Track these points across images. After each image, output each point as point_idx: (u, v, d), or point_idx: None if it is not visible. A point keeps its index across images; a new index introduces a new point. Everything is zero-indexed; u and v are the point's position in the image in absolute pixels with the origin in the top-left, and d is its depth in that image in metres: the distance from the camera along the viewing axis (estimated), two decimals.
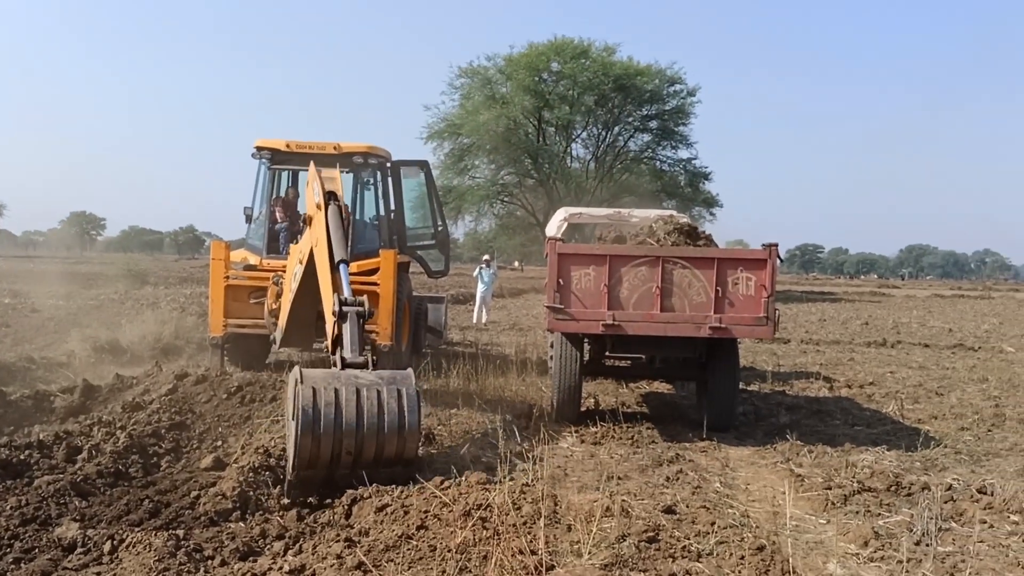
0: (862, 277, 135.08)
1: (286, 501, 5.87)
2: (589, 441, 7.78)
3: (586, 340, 8.50)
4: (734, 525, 5.25)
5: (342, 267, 6.89)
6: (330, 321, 6.53)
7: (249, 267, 11.45)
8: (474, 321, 21.36)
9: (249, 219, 11.84)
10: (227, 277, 11.00)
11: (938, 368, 14.11)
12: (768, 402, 10.16)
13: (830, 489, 6.15)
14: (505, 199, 49.55)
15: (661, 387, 11.48)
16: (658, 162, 49.72)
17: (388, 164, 12.29)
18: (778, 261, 7.59)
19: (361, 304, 6.42)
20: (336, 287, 6.86)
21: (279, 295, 10.50)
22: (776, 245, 7.59)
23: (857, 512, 5.69)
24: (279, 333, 8.93)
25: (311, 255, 7.47)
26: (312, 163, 8.22)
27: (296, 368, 6.37)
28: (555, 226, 12.73)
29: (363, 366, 6.02)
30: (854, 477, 6.41)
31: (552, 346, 11.27)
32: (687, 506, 5.63)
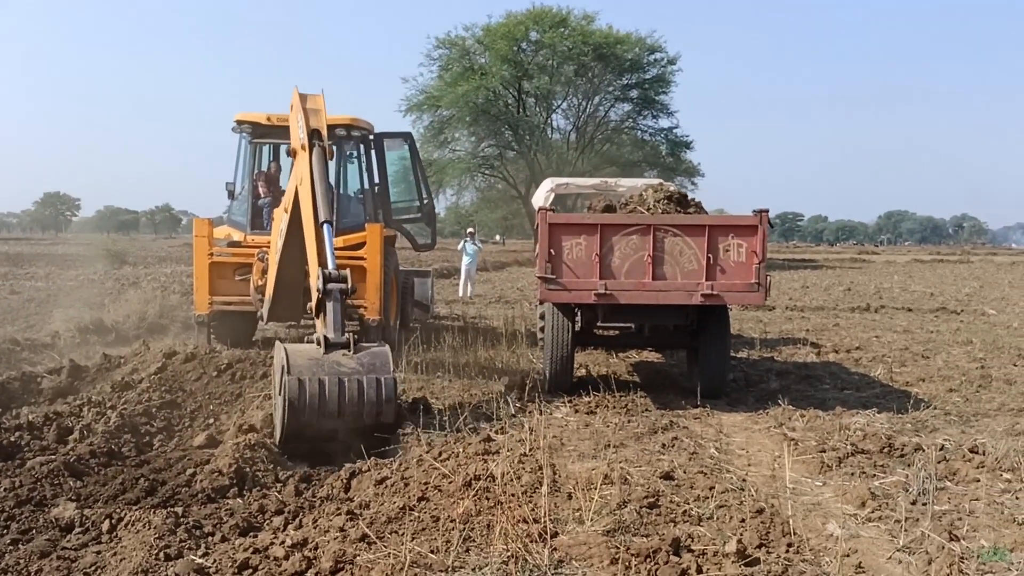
0: (842, 244, 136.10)
1: (282, 473, 5.86)
2: (583, 411, 7.79)
3: (577, 310, 8.48)
4: (732, 489, 5.29)
5: (326, 228, 6.99)
6: (314, 287, 6.69)
7: (233, 243, 11.31)
8: (460, 295, 21.31)
9: (231, 195, 11.68)
10: (211, 254, 10.88)
11: (922, 332, 14.25)
12: (757, 368, 10.23)
13: (824, 452, 6.20)
14: (486, 172, 49.33)
15: (650, 356, 11.51)
16: (639, 132, 49.71)
17: (371, 136, 12.13)
18: (768, 227, 7.59)
19: (344, 279, 6.60)
20: (320, 256, 6.88)
21: (265, 271, 10.40)
22: (767, 211, 7.58)
23: (852, 474, 5.75)
24: (267, 305, 8.84)
25: (296, 200, 7.49)
26: (296, 90, 8.00)
27: (281, 347, 6.45)
28: (542, 197, 12.63)
29: (345, 346, 6.32)
30: (847, 440, 6.47)
31: (542, 317, 11.28)
32: (684, 472, 5.67)
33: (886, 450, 6.28)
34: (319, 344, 6.32)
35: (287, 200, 8.01)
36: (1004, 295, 23.09)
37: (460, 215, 52.96)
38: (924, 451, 6.21)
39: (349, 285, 6.61)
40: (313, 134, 7.43)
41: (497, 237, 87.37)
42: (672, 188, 8.40)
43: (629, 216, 7.67)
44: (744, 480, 5.57)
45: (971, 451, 6.12)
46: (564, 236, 7.58)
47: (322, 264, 6.77)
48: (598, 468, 5.63)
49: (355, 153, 12.11)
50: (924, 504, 5.03)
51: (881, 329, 14.62)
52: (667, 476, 5.53)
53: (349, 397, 6.08)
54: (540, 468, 5.53)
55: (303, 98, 7.86)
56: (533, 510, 4.61)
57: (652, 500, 4.94)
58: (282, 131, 11.48)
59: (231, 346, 10.74)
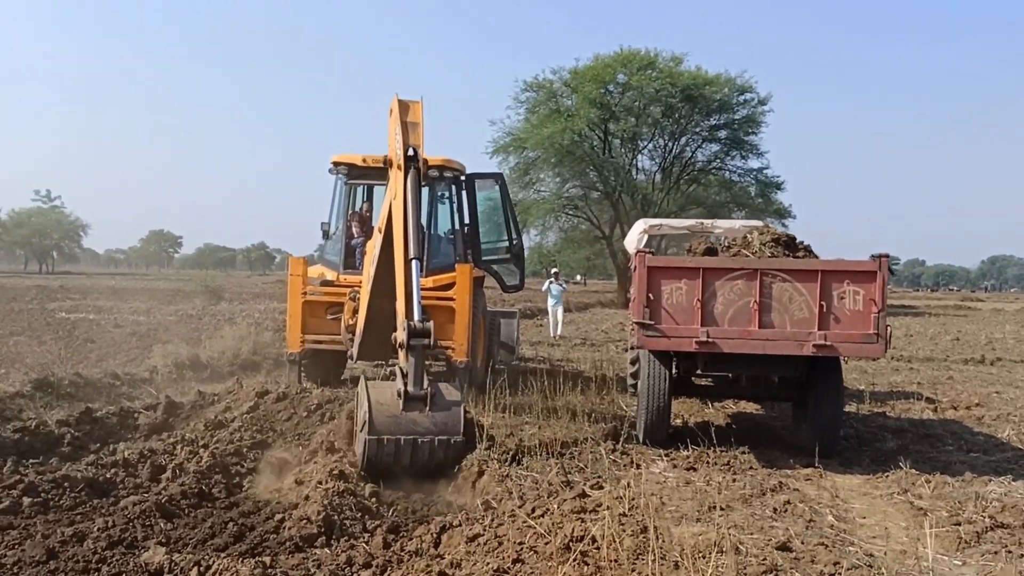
0: (943, 289, 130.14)
1: (371, 523, 5.67)
2: (682, 466, 7.35)
3: (675, 357, 8.06)
4: (860, 565, 4.78)
5: (414, 265, 7.10)
6: (399, 335, 6.85)
7: (326, 283, 11.38)
8: (551, 335, 21.08)
9: (326, 235, 11.79)
10: (305, 293, 10.95)
11: None
12: (869, 425, 9.55)
13: (959, 525, 5.61)
14: (570, 212, 49.21)
15: (749, 407, 10.94)
16: (727, 172, 48.78)
17: (463, 177, 12.11)
18: (889, 273, 7.07)
19: (428, 333, 6.79)
20: (408, 302, 6.84)
21: (356, 311, 10.39)
22: (887, 256, 7.07)
23: (995, 552, 5.15)
24: (356, 342, 8.78)
25: (389, 217, 7.59)
26: (395, 97, 7.89)
27: (364, 391, 6.71)
28: (634, 239, 12.30)
29: (423, 400, 6.69)
30: (984, 511, 5.85)
31: (633, 363, 10.88)
32: (802, 542, 5.18)
33: None
34: (399, 396, 6.63)
35: (382, 219, 8.06)
36: None
37: (543, 255, 52.85)
38: None
39: (432, 340, 6.79)
40: (410, 158, 7.47)
41: (578, 277, 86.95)
42: (779, 231, 7.96)
43: (734, 260, 7.27)
44: (871, 556, 5.04)
45: None
46: (664, 280, 7.23)
47: (408, 315, 6.86)
48: (706, 534, 5.21)
49: (447, 194, 12.09)
50: None
51: (1001, 384, 13.59)
52: (784, 547, 5.06)
53: (420, 457, 6.68)
54: (643, 531, 5.15)
55: (403, 107, 7.79)
56: None
57: None
58: (377, 172, 11.56)
59: (321, 385, 10.74)
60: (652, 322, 7.24)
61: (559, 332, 21.47)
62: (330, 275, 11.46)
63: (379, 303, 8.08)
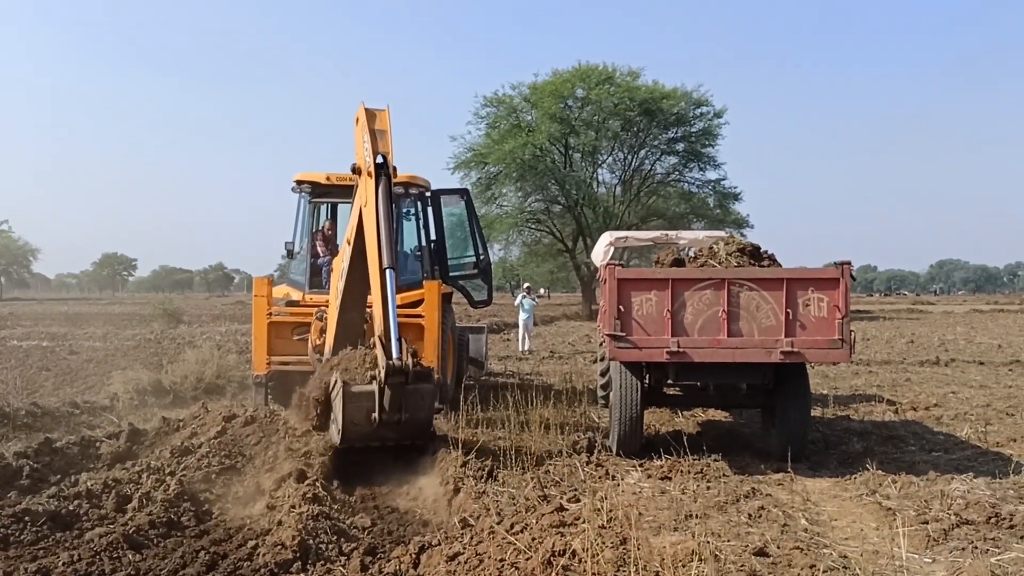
0: (895, 294, 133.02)
1: (347, 545, 5.61)
2: (656, 475, 7.40)
3: (646, 368, 8.11)
4: (834, 567, 4.85)
5: (389, 276, 7.06)
6: (380, 369, 6.83)
7: (292, 303, 11.25)
8: (520, 349, 21.10)
9: (290, 254, 11.67)
10: (270, 314, 10.81)
11: (1000, 387, 13.53)
12: (835, 428, 9.71)
13: (927, 523, 5.72)
14: (532, 226, 49.35)
15: (717, 415, 11.05)
16: (686, 184, 49.35)
17: (428, 193, 12.10)
18: (851, 280, 7.21)
19: (406, 372, 6.77)
20: (385, 330, 6.89)
21: (323, 330, 10.30)
22: (849, 263, 7.22)
23: (963, 549, 5.27)
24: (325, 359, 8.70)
25: (360, 226, 7.60)
26: (362, 105, 7.93)
27: (339, 397, 6.84)
28: (601, 251, 12.41)
29: (396, 423, 6.88)
30: (949, 509, 5.98)
31: (603, 375, 10.93)
32: (778, 547, 5.24)
33: (993, 520, 5.79)
34: (374, 421, 6.80)
35: (350, 230, 8.00)
36: None
37: (507, 269, 52.88)
38: None
39: (410, 376, 6.79)
40: (380, 165, 7.49)
41: (542, 291, 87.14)
42: (743, 240, 8.07)
43: (702, 270, 7.36)
44: (846, 557, 5.12)
45: None
46: (634, 292, 7.30)
47: (387, 352, 6.83)
48: (684, 543, 5.24)
49: (412, 210, 12.05)
50: None
51: (956, 384, 13.92)
52: (761, 553, 5.12)
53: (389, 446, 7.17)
54: (623, 543, 5.17)
55: (369, 115, 7.81)
56: None
57: None
58: (341, 190, 11.50)
59: (287, 407, 10.59)
60: (623, 334, 7.28)
61: (527, 347, 21.51)
62: (295, 295, 11.33)
63: (349, 318, 8.02)
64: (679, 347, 7.22)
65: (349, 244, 7.91)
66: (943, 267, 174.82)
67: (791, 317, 7.17)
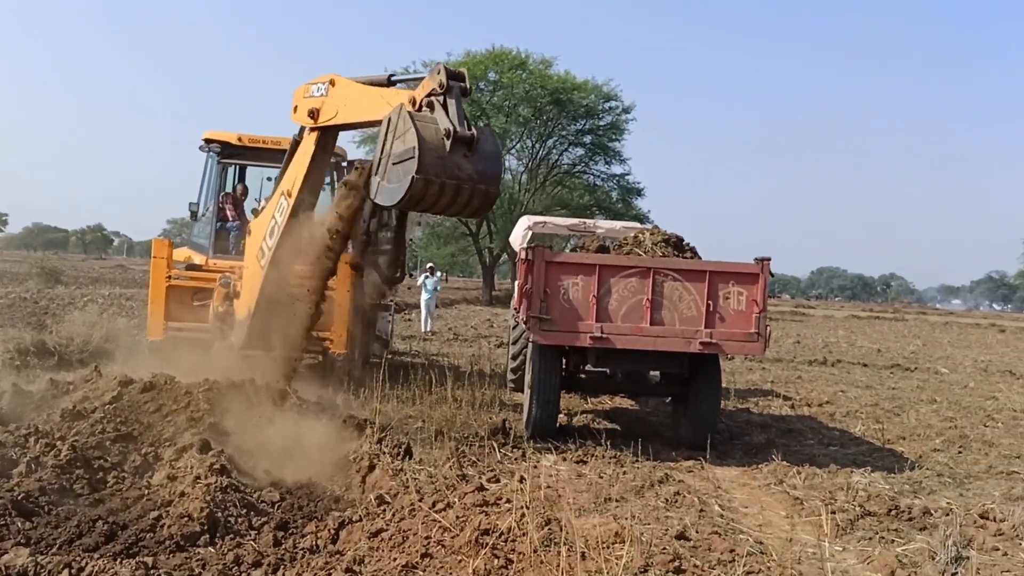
0: (777, 297, 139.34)
1: (256, 519, 5.38)
2: (572, 459, 7.42)
3: (566, 353, 8.12)
4: (753, 553, 4.97)
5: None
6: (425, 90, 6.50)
7: (193, 267, 10.72)
8: (422, 329, 20.83)
9: (194, 216, 11.11)
10: (169, 277, 10.28)
11: (884, 388, 14.31)
12: (737, 420, 10.01)
13: (835, 514, 5.94)
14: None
15: (624, 403, 11.22)
16: (591, 176, 50.06)
17: (344, 164, 11.73)
18: (770, 276, 7.41)
19: (463, 77, 6.48)
20: None
21: (227, 296, 9.86)
22: (768, 259, 7.41)
23: (869, 538, 5.50)
24: (240, 330, 8.34)
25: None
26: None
27: (406, 117, 6.23)
28: (520, 235, 12.39)
29: (469, 142, 6.23)
30: (854, 500, 6.24)
31: (514, 358, 10.93)
32: (697, 532, 5.34)
33: (893, 512, 6.07)
34: (446, 136, 6.17)
35: (289, 182, 7.89)
36: (947, 354, 23.61)
37: (409, 250, 52.29)
38: (932, 515, 6.04)
39: (468, 83, 6.52)
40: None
41: (440, 273, 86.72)
42: (668, 232, 8.17)
43: (629, 258, 7.40)
44: (761, 543, 5.25)
45: (981, 516, 5.95)
46: (561, 276, 7.27)
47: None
48: (607, 525, 5.26)
49: (328, 180, 11.66)
50: (953, 574, 4.80)
51: (844, 384, 14.64)
52: (681, 536, 5.20)
53: (459, 200, 6.34)
54: (548, 523, 5.14)
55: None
56: (555, 570, 4.21)
57: (676, 564, 4.60)
58: (253, 152, 11.02)
59: (183, 375, 10.10)
60: (548, 316, 7.25)
61: (430, 327, 21.29)
62: (198, 259, 10.81)
63: (277, 278, 7.71)
64: (602, 332, 7.25)
65: (288, 196, 7.78)
66: (823, 274, 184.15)
67: (711, 309, 7.32)
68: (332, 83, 7.63)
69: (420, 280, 22.88)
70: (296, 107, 7.93)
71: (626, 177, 48.69)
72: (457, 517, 5.24)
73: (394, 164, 6.30)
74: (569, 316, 7.28)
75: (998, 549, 5.32)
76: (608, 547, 4.94)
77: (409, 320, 24.22)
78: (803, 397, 12.31)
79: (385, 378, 10.44)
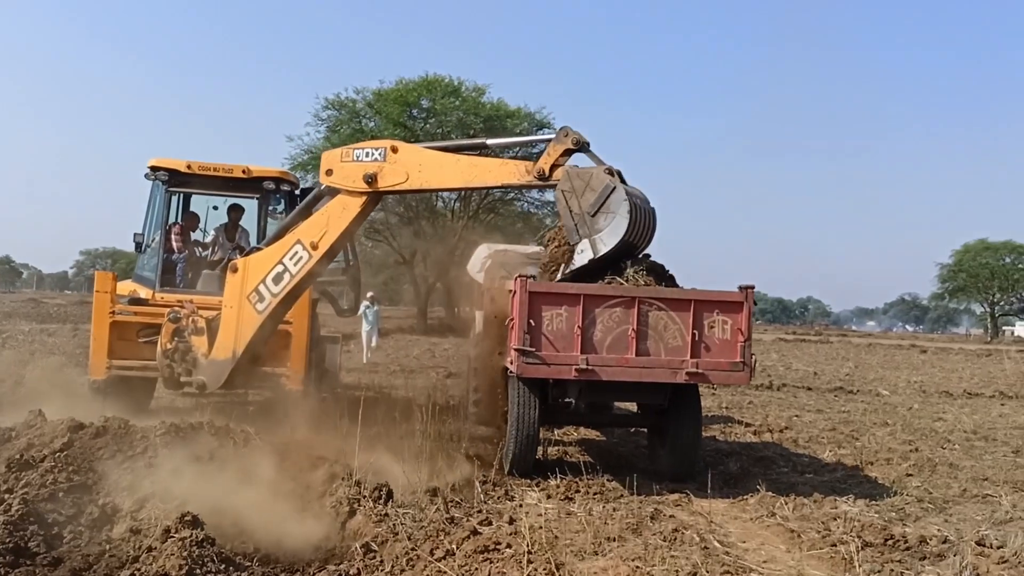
0: None
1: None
2: (556, 496, 7.18)
3: (549, 386, 7.88)
4: None
5: None
6: None
7: (137, 301, 10.15)
8: (364, 361, 20.33)
9: (139, 247, 10.53)
10: (113, 312, 9.71)
11: (835, 412, 14.54)
12: (706, 448, 9.89)
13: (835, 546, 5.85)
14: (369, 236, 48.29)
15: (590, 434, 11.04)
16: (525, 204, 50.18)
17: (298, 192, 11.35)
18: (753, 304, 7.37)
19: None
20: None
21: (176, 333, 9.36)
22: (752, 287, 7.37)
23: (879, 572, 5.41)
24: (218, 371, 8.03)
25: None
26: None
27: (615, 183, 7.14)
28: (479, 263, 12.15)
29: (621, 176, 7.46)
30: (851, 531, 6.16)
31: (475, 391, 10.64)
32: (707, 571, 5.16)
33: (890, 542, 6.01)
34: (609, 173, 7.25)
35: (321, 236, 8.14)
36: (881, 376, 24.28)
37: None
38: (928, 543, 6.02)
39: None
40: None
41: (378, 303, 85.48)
42: (650, 259, 8.04)
43: (613, 287, 7.24)
44: None
45: (979, 544, 5.95)
46: (545, 306, 7.07)
47: None
48: (615, 569, 5.06)
49: (279, 208, 11.27)
50: None
51: (795, 408, 14.82)
52: None
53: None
54: (558, 568, 4.91)
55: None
56: None
57: None
58: (203, 180, 10.56)
59: (127, 416, 9.50)
60: (532, 349, 7.03)
61: (369, 357, 20.87)
62: (143, 293, 10.24)
63: (273, 325, 7.65)
64: (588, 364, 7.06)
65: (314, 248, 8.06)
66: None
67: (697, 338, 7.22)
68: (394, 149, 8.00)
69: (361, 309, 22.37)
70: (331, 170, 8.13)
71: None
72: (460, 566, 4.96)
73: (592, 216, 7.04)
74: (553, 348, 7.08)
75: None
76: None
77: (348, 351, 23.63)
78: (762, 423, 12.36)
79: (342, 413, 10.06)
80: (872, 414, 14.22)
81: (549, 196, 48.30)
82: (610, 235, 6.92)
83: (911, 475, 8.72)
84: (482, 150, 9.06)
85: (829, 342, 52.05)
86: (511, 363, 7.22)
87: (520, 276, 7.16)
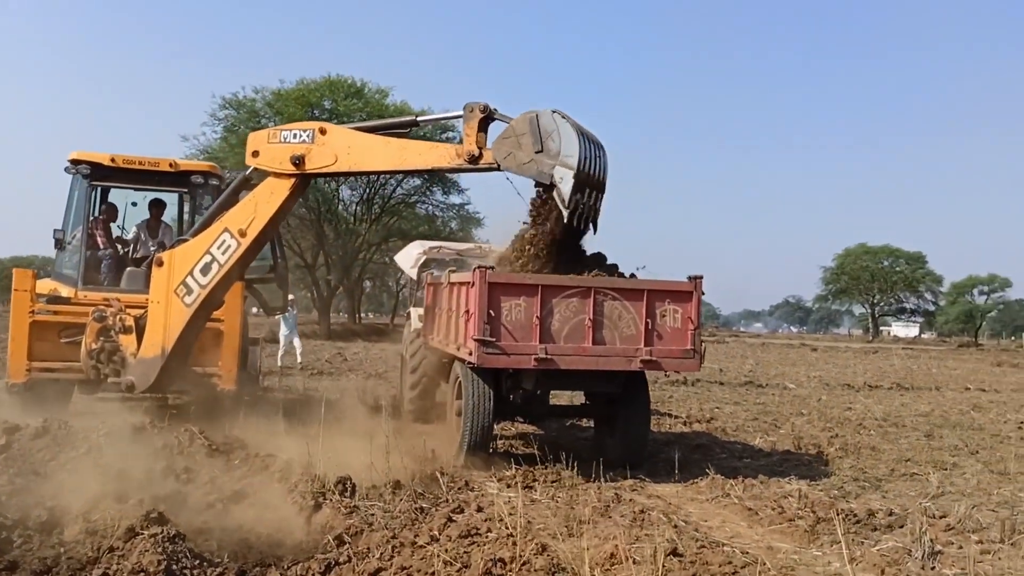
0: None
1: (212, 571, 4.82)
2: (516, 486, 7.23)
3: (506, 376, 7.94)
4: (748, 563, 5.04)
5: None
6: None
7: (57, 299, 9.63)
8: (279, 364, 19.81)
9: (60, 244, 9.97)
10: (33, 312, 9.19)
11: (751, 403, 15.17)
12: None
13: (793, 521, 6.16)
14: None
15: (527, 427, 11.15)
16: (430, 206, 50.02)
17: (214, 181, 11.00)
18: (702, 293, 7.64)
19: None
20: None
21: (102, 332, 8.96)
22: (701, 277, 7.65)
23: (837, 542, 5.70)
24: (147, 370, 7.63)
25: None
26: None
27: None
28: (412, 259, 12.13)
29: None
30: (804, 507, 6.49)
31: (413, 388, 10.62)
32: (685, 548, 5.33)
33: (842, 516, 6.33)
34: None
35: (249, 223, 7.91)
36: (782, 372, 25.44)
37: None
38: (876, 515, 6.40)
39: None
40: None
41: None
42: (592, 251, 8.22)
43: (571, 278, 7.37)
44: (747, 553, 5.33)
45: (923, 514, 6.37)
46: (504, 297, 7.13)
47: None
48: (599, 547, 5.17)
49: (208, 203, 10.88)
50: (932, 568, 5.10)
51: (714, 401, 15.37)
52: (674, 553, 5.16)
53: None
54: (543, 550, 4.98)
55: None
56: None
57: None
58: (127, 174, 10.12)
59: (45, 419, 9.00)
60: (492, 339, 7.08)
61: (293, 360, 20.49)
62: (65, 291, 9.72)
63: (205, 317, 7.30)
64: (547, 354, 7.17)
65: (242, 236, 7.77)
66: None
67: (650, 327, 7.43)
68: (322, 131, 7.80)
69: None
70: (257, 151, 7.95)
71: (465, 207, 49.09)
72: (450, 550, 4.96)
73: (540, 151, 6.84)
74: (512, 338, 7.15)
75: (952, 543, 5.72)
76: (609, 569, 4.86)
77: (270, 356, 22.98)
78: (687, 415, 12.78)
79: (281, 414, 9.84)
80: (786, 405, 14.93)
81: (454, 199, 48.50)
82: (568, 145, 6.70)
83: (841, 457, 9.22)
84: (413, 128, 8.81)
85: (725, 342, 54.07)
86: (469, 354, 7.24)
87: (479, 267, 7.19)
